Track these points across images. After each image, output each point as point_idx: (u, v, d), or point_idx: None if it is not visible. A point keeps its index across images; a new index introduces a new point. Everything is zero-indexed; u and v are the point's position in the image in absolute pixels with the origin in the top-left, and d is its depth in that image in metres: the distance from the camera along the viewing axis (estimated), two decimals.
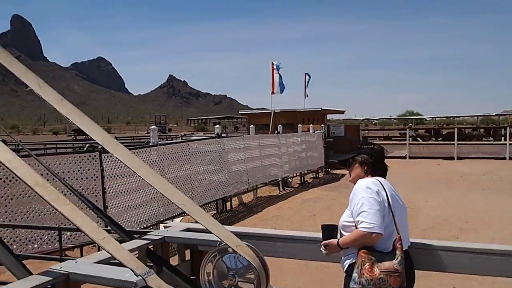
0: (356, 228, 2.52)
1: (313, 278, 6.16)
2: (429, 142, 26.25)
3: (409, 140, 25.05)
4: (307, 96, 23.12)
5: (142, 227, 7.55)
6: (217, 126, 11.62)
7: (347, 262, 2.66)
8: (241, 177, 11.92)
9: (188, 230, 3.53)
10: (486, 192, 13.33)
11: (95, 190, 7.14)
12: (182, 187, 9.15)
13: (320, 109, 24.23)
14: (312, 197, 13.52)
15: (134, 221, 7.62)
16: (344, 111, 29.99)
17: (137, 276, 2.15)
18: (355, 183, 2.72)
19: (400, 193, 2.78)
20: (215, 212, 11.17)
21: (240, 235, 3.13)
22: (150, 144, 8.73)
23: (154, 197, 8.03)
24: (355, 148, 2.85)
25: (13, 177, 5.73)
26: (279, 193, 14.88)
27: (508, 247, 2.94)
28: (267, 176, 13.83)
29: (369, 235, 2.43)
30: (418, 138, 26.88)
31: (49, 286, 2.24)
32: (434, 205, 10.96)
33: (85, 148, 7.41)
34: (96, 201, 7.12)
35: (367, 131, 29.66)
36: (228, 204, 11.74)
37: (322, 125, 21.45)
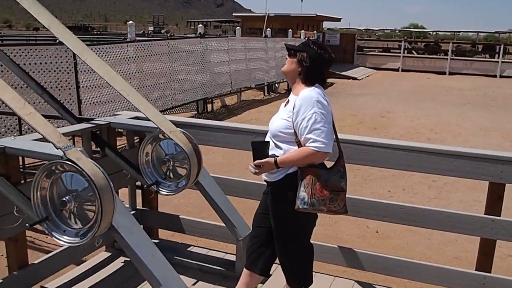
0: (298, 143, 2.34)
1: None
2: (424, 55, 25.89)
3: (403, 52, 24.69)
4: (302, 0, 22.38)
5: None
6: (200, 25, 11.45)
7: (278, 175, 2.42)
8: (223, 79, 11.94)
9: (136, 118, 3.66)
10: (465, 106, 13.45)
11: (69, 84, 7.22)
12: (160, 86, 9.22)
13: (315, 15, 23.57)
14: None
15: (108, 115, 7.80)
16: (341, 18, 29.12)
17: (57, 149, 2.27)
18: (287, 77, 2.56)
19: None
20: (195, 112, 11.33)
21: (183, 125, 3.29)
22: (128, 40, 8.66)
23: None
24: (305, 41, 2.50)
25: None
26: (263, 97, 15.02)
27: (425, 145, 3.13)
28: (252, 80, 13.85)
29: (321, 154, 2.29)
30: (413, 51, 26.47)
31: None
32: (410, 116, 11.13)
33: (57, 41, 7.35)
34: (70, 94, 7.25)
35: (363, 41, 28.98)
36: (210, 105, 11.89)
37: (315, 31, 21.03)
